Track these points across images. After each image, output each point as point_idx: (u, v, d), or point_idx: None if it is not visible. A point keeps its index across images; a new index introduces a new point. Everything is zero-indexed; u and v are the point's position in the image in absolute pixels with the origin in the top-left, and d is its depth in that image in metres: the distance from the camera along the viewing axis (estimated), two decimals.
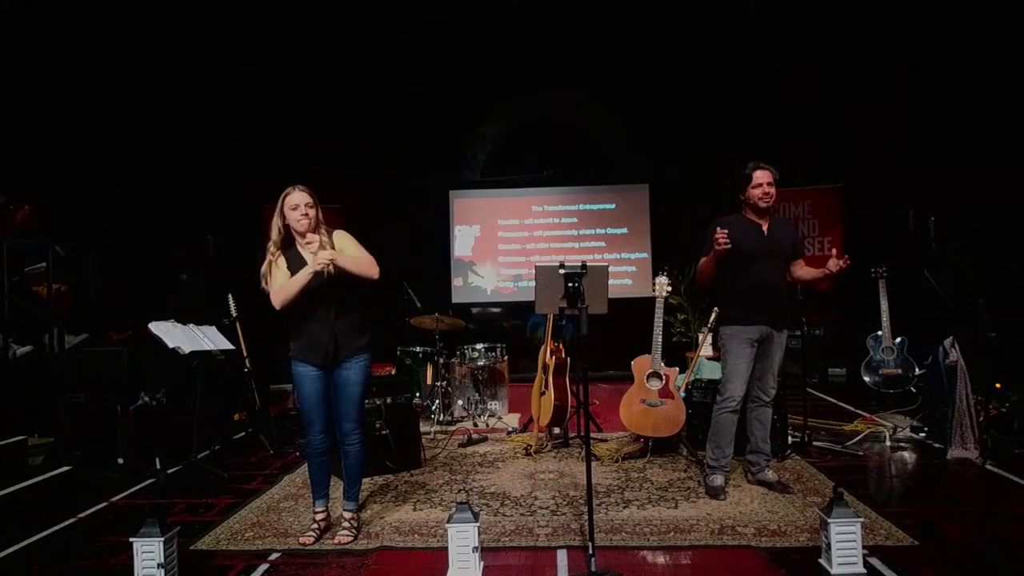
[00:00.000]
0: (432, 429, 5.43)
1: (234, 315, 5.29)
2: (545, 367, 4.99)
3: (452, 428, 5.53)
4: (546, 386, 4.94)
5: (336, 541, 3.23)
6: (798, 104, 7.51)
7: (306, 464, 3.38)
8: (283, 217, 3.15)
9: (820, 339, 7.15)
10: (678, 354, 6.55)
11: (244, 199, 7.91)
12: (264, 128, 7.68)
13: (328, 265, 3.04)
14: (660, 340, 4.43)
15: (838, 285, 7.71)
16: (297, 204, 3.12)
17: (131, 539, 2.73)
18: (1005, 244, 5.90)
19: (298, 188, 3.16)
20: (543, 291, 3.22)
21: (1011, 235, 5.88)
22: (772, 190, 3.76)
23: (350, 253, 3.19)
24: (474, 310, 8.59)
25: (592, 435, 4.94)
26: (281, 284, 3.10)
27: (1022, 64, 5.75)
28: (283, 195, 3.15)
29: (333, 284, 3.12)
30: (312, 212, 3.13)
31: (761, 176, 3.75)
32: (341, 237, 3.25)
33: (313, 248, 3.14)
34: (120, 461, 4.68)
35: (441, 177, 8.60)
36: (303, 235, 3.16)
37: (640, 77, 7.83)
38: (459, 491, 3.98)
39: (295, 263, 3.15)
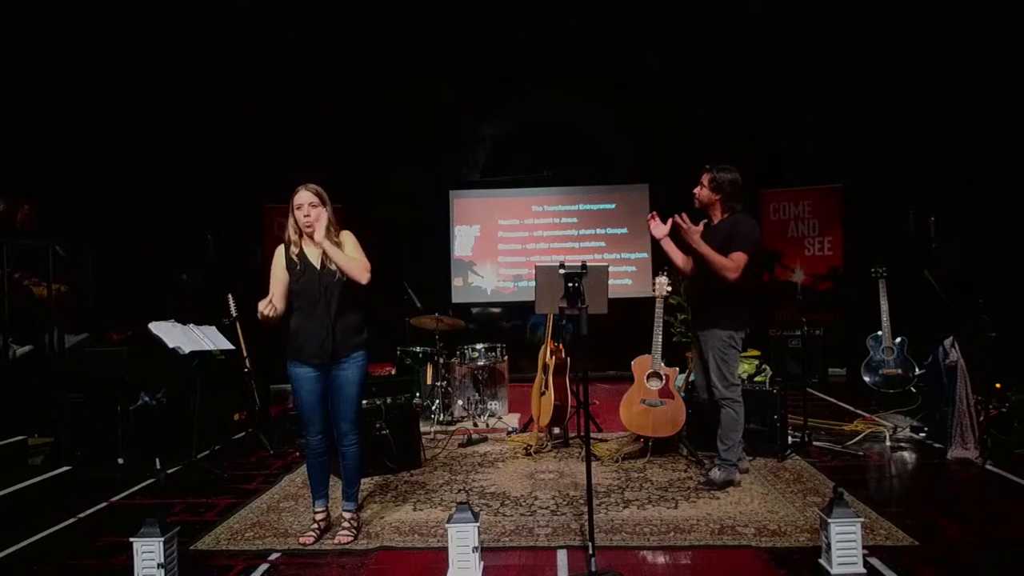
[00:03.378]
0: (432, 429, 5.43)
1: (234, 315, 5.29)
2: (545, 367, 4.99)
3: (452, 428, 5.53)
4: (546, 386, 4.94)
5: (336, 541, 3.23)
6: (798, 104, 7.50)
7: (306, 464, 3.39)
8: (294, 216, 3.20)
9: (820, 339, 7.15)
10: (678, 354, 6.54)
11: (244, 199, 7.92)
12: (264, 127, 7.68)
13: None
14: (660, 340, 4.43)
15: (838, 285, 7.73)
16: (300, 204, 3.16)
17: (131, 539, 2.73)
18: (1005, 243, 5.90)
19: (304, 187, 3.19)
20: (543, 291, 3.22)
21: (1011, 234, 5.87)
22: (697, 190, 4.01)
23: (348, 253, 3.20)
24: (474, 310, 8.58)
25: (592, 435, 4.94)
26: (272, 290, 3.20)
27: (1022, 63, 5.75)
28: (293, 193, 3.19)
29: (333, 284, 3.15)
30: (315, 211, 3.15)
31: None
32: (346, 237, 3.28)
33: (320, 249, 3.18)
34: (120, 461, 4.68)
35: (441, 177, 8.60)
36: (310, 236, 3.18)
37: (640, 77, 7.82)
38: (459, 491, 3.98)
39: (302, 260, 3.20)
